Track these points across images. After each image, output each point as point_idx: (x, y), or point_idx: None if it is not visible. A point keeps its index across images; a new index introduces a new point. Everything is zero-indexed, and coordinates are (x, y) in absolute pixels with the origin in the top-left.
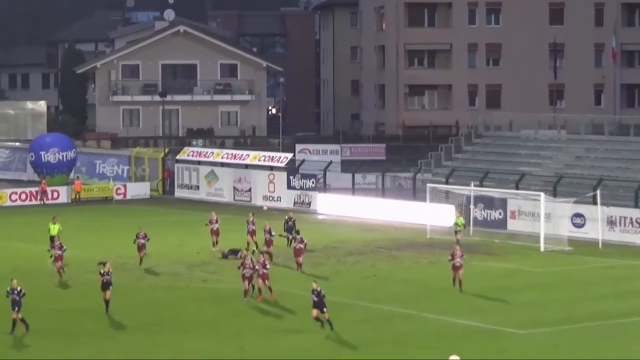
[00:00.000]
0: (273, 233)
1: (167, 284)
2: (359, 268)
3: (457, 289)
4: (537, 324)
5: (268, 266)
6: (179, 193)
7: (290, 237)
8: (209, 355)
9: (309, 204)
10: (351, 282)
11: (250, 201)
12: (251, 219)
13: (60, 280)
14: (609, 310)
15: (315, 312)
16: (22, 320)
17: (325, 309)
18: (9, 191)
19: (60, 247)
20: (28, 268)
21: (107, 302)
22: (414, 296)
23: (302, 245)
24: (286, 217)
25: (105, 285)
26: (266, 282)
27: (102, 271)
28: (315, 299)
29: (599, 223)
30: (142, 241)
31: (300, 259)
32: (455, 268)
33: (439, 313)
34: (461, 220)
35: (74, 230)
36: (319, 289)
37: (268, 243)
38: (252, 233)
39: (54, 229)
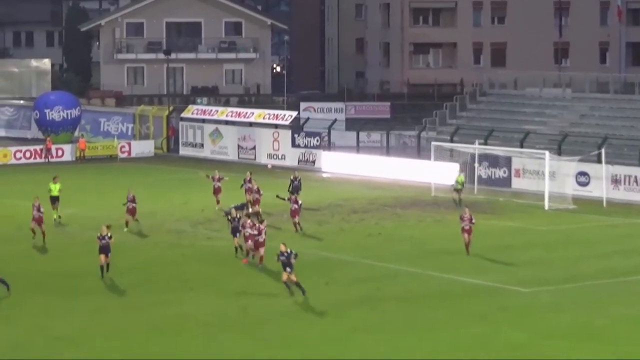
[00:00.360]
0: (261, 192)
1: (172, 242)
2: (364, 226)
3: (464, 252)
4: (540, 282)
5: (263, 229)
6: (183, 151)
7: (293, 197)
8: (212, 313)
9: (314, 162)
10: (355, 240)
11: (255, 159)
12: (248, 178)
13: (43, 241)
14: (613, 268)
15: (285, 275)
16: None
17: (290, 270)
18: (13, 149)
19: (39, 209)
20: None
21: (102, 267)
22: (418, 254)
23: (296, 206)
24: (292, 177)
25: (102, 250)
26: (260, 249)
27: (99, 234)
28: (285, 260)
29: (603, 181)
30: (132, 204)
31: (296, 219)
32: (464, 231)
33: (443, 271)
34: (461, 178)
35: (77, 189)
36: (288, 251)
37: (255, 202)
38: (249, 191)
39: (55, 188)
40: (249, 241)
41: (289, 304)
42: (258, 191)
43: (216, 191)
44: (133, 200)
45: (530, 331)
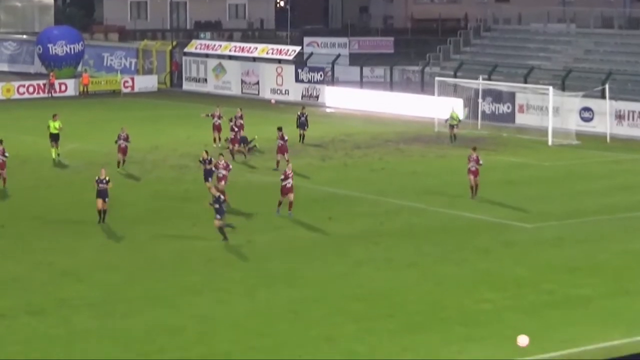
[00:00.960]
0: (236, 129)
1: (175, 177)
2: (367, 161)
3: (468, 189)
4: (543, 218)
5: (290, 174)
6: (186, 86)
7: (302, 132)
8: (216, 248)
9: (317, 97)
10: (359, 175)
11: (258, 94)
12: (239, 115)
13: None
14: (616, 204)
15: (217, 222)
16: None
17: (219, 216)
18: (16, 84)
19: (3, 153)
20: (37, 160)
21: (99, 212)
22: (422, 189)
23: (282, 142)
24: (298, 113)
25: (99, 194)
26: (290, 195)
27: (97, 177)
28: (217, 206)
29: (607, 117)
30: (125, 143)
31: (283, 156)
32: (470, 172)
33: (446, 206)
34: (456, 114)
35: (81, 124)
36: (217, 195)
37: (233, 142)
38: (241, 127)
39: (54, 126)
40: (223, 182)
41: (293, 238)
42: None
43: (216, 128)
44: (126, 139)
45: (533, 266)
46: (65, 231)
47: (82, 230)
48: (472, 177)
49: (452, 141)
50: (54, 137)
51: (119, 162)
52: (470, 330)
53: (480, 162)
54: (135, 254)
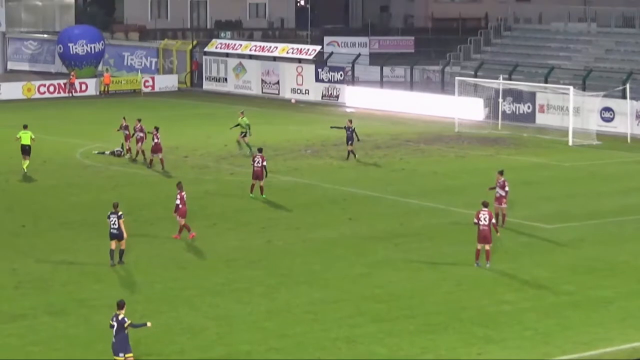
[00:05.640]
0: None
1: (195, 177)
2: (387, 161)
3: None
4: (563, 219)
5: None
6: (207, 85)
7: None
8: (235, 247)
9: (337, 96)
10: (379, 175)
11: (279, 94)
12: (138, 126)
13: None
14: (636, 204)
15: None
16: None
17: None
18: (37, 83)
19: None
20: (57, 160)
21: (112, 252)
22: (442, 189)
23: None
24: (345, 126)
25: (112, 235)
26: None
27: (109, 214)
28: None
29: (627, 117)
30: (140, 134)
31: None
32: (495, 199)
33: (466, 206)
34: (245, 120)
35: (102, 123)
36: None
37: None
38: (142, 139)
39: (26, 137)
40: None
41: (313, 238)
42: (141, 129)
43: (128, 138)
44: (142, 130)
45: (553, 267)
46: (85, 231)
47: (101, 230)
48: (496, 204)
49: (246, 149)
50: (26, 150)
51: (137, 153)
52: (490, 332)
53: (507, 187)
54: (154, 254)
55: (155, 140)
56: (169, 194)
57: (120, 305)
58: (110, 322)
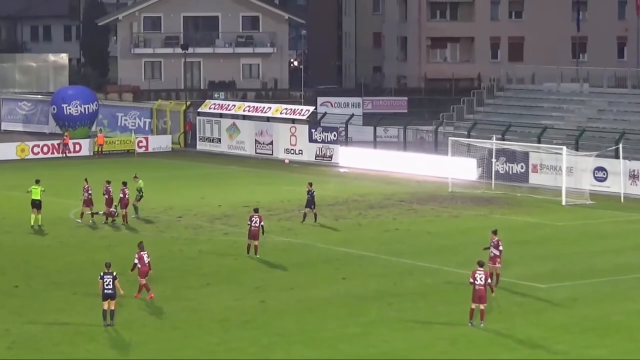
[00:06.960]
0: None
1: (189, 237)
2: (381, 221)
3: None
4: (557, 278)
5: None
6: (200, 146)
7: (304, 211)
8: (229, 308)
9: (331, 157)
10: (372, 235)
11: (272, 154)
12: (105, 187)
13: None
14: (630, 264)
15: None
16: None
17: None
18: (31, 144)
19: None
20: (51, 219)
21: (105, 312)
22: (435, 249)
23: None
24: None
25: (106, 296)
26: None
27: (101, 274)
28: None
29: (621, 177)
30: (105, 196)
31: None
32: (489, 259)
33: (460, 266)
34: (140, 183)
35: (95, 184)
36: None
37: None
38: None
39: (36, 192)
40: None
41: (307, 298)
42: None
43: (86, 202)
44: (107, 192)
45: (547, 327)
46: (78, 291)
47: (95, 289)
48: (490, 264)
49: (132, 217)
50: (36, 204)
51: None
52: None
53: (501, 247)
54: (148, 313)
55: (121, 196)
56: (161, 254)
57: None
58: None
